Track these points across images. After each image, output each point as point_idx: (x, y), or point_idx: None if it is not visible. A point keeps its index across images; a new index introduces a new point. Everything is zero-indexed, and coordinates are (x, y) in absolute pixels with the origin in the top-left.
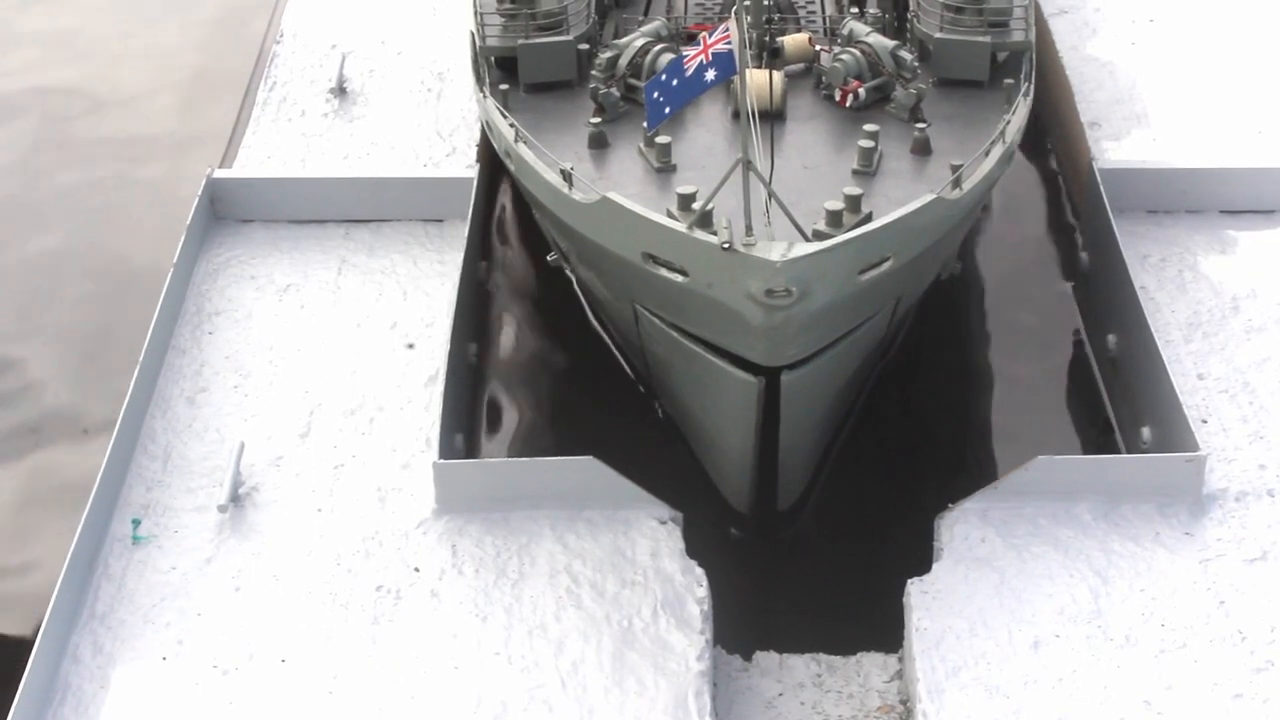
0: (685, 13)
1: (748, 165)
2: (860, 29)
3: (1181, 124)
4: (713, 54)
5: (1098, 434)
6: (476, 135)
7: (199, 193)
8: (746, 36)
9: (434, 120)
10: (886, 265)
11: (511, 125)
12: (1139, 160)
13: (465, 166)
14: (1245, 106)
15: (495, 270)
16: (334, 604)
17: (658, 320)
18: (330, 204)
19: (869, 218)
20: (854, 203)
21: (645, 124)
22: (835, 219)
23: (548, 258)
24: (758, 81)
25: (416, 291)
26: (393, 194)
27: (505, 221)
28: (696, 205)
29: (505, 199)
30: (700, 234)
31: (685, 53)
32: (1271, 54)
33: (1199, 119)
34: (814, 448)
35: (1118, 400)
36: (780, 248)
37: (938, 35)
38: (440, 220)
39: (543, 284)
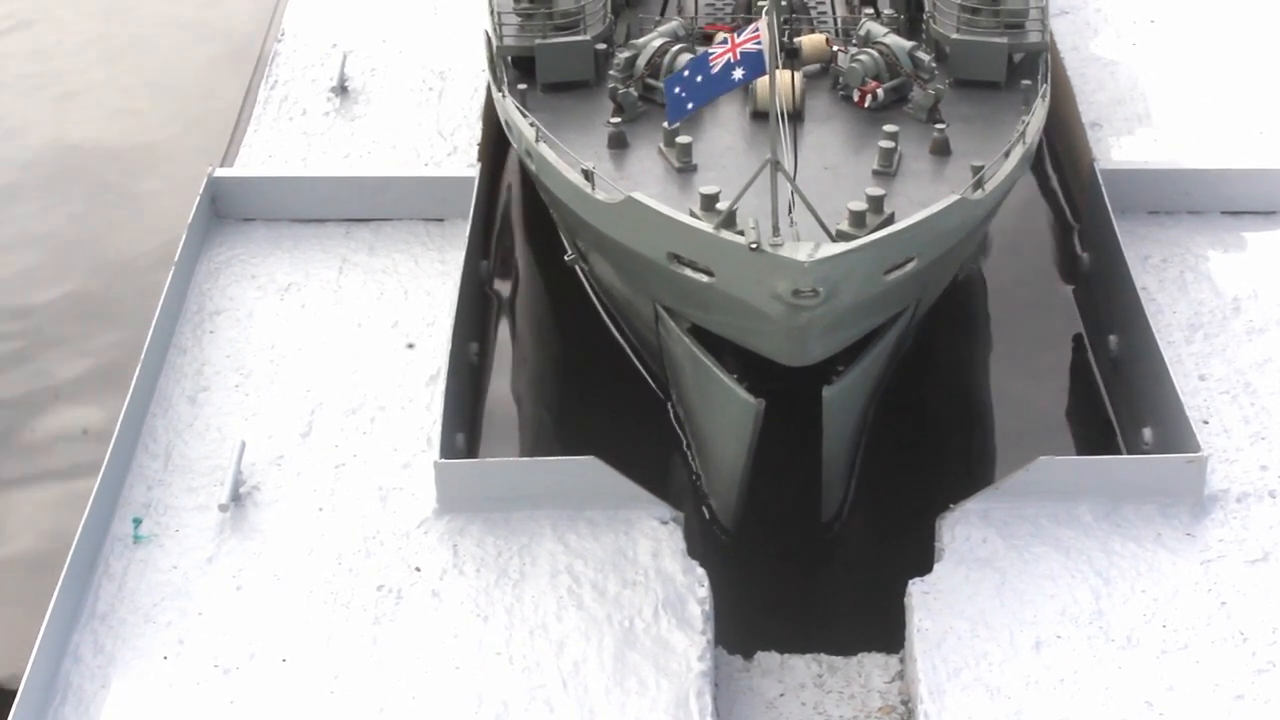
0: (696, 13)
1: (776, 166)
2: (878, 30)
3: (1183, 124)
4: (741, 54)
5: (1099, 435)
6: (478, 134)
7: (200, 191)
8: (777, 38)
9: (435, 119)
10: (911, 265)
11: (532, 125)
12: (1140, 161)
13: (467, 165)
14: (1246, 107)
15: (496, 269)
16: (335, 603)
17: (674, 325)
18: (331, 203)
19: (891, 218)
20: (877, 203)
21: (665, 121)
22: (858, 219)
23: (565, 258)
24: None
25: (418, 291)
26: (394, 193)
27: (508, 220)
28: (720, 205)
29: (507, 198)
30: (727, 234)
31: (709, 51)
32: (1272, 54)
33: (1200, 119)
34: (850, 456)
35: (1119, 401)
36: (807, 248)
37: (954, 36)
38: (441, 219)
39: (544, 283)
